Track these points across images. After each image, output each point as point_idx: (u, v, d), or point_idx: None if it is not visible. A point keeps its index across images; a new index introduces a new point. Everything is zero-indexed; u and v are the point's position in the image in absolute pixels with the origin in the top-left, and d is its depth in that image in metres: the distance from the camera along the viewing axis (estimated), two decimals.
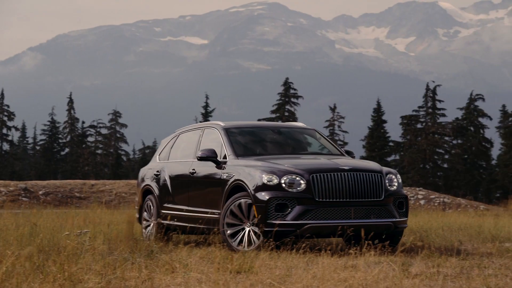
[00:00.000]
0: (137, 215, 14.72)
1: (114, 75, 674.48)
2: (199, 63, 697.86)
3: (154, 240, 13.11)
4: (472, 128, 72.60)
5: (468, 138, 72.04)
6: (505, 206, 38.85)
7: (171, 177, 13.55)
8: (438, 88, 74.49)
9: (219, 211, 11.86)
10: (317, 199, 11.20)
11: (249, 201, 11.39)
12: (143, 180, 14.55)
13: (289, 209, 11.16)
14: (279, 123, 14.78)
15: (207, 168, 12.44)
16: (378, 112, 74.68)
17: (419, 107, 73.79)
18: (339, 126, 76.90)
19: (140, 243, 11.86)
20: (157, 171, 13.99)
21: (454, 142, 73.31)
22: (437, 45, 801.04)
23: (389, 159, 73.14)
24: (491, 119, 72.77)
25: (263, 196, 11.22)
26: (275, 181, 11.26)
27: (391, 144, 73.69)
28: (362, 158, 71.90)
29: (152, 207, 13.96)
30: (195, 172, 12.76)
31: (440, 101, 74.04)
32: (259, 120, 73.85)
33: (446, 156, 73.35)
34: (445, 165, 73.21)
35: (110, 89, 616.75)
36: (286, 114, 74.26)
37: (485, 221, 19.79)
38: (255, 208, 11.25)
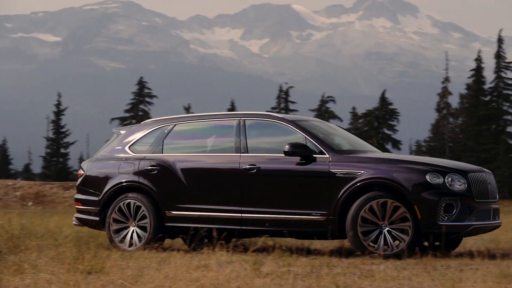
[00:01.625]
0: (91, 218, 12.41)
1: None
2: (51, 61, 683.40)
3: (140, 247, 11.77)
4: None
5: None
6: None
7: (195, 173, 11.87)
8: (291, 89, 75.77)
9: (318, 212, 11.04)
10: (476, 200, 10.91)
11: (383, 200, 10.78)
12: (110, 176, 12.36)
13: (455, 210, 10.71)
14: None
15: (289, 165, 11.29)
16: None
17: (272, 108, 74.76)
18: None
19: None
20: (153, 166, 12.05)
21: None
22: (291, 47, 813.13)
23: None
24: (341, 120, 74.48)
25: (431, 196, 10.66)
26: (440, 180, 10.74)
27: None
28: None
29: (135, 207, 12.02)
30: (256, 168, 11.42)
31: (292, 102, 75.30)
32: (112, 119, 73.03)
33: None
34: None
35: None
36: (140, 113, 73.70)
37: None
38: (417, 209, 10.63)
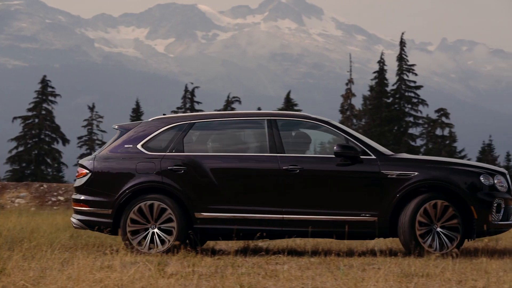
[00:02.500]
0: (101, 220, 11.54)
1: None
2: None
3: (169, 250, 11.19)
4: None
5: None
6: None
7: (229, 173, 11.48)
8: (197, 89, 75.69)
9: (369, 212, 11.10)
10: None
11: (435, 201, 11.04)
12: (126, 175, 11.58)
13: (502, 209, 11.22)
14: None
15: (335, 165, 11.27)
16: (137, 112, 74.74)
17: (178, 108, 74.57)
18: (97, 126, 76.07)
19: None
20: (178, 165, 11.48)
21: None
22: (196, 47, 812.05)
23: None
24: None
25: (486, 196, 11.11)
26: (491, 181, 11.25)
27: None
28: None
29: (159, 209, 11.41)
30: (299, 169, 11.25)
31: (198, 102, 75.21)
32: (15, 118, 71.59)
33: None
34: None
35: None
36: (43, 112, 72.50)
37: None
38: (473, 209, 10.97)
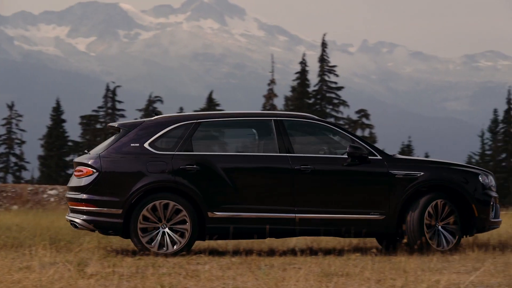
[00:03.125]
0: (111, 220, 11.30)
1: None
2: None
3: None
4: None
5: None
6: None
7: (243, 173, 11.61)
8: (118, 89, 75.07)
9: (377, 211, 11.56)
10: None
11: (439, 201, 11.66)
12: (137, 174, 11.40)
13: (495, 207, 12.09)
14: None
15: (354, 166, 11.66)
16: (57, 111, 73.70)
17: (99, 107, 73.86)
18: (16, 125, 74.81)
19: None
20: (191, 164, 11.43)
21: None
22: (118, 46, 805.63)
23: (67, 158, 72.39)
24: None
25: (485, 195, 11.91)
26: (487, 181, 12.05)
27: (70, 143, 73.03)
28: (40, 157, 70.79)
29: (174, 210, 11.32)
30: (310, 168, 11.50)
31: (119, 101, 74.62)
32: None
33: None
34: None
35: None
36: None
37: None
38: (474, 207, 11.66)
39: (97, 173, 11.42)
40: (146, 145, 11.57)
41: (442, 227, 11.70)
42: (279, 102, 75.07)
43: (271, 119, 11.89)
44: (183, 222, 11.32)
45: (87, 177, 11.47)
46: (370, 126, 71.50)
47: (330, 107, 71.41)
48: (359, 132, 71.39)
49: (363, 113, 72.61)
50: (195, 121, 11.85)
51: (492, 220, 11.96)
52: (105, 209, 11.31)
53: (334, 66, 72.46)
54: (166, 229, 11.34)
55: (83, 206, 11.46)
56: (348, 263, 9.97)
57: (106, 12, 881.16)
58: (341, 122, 70.72)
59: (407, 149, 77.13)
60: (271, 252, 11.93)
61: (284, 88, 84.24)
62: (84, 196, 11.43)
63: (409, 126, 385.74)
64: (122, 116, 73.90)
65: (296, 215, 11.47)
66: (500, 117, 73.32)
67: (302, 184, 11.52)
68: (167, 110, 76.66)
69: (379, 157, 11.77)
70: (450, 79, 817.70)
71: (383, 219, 11.57)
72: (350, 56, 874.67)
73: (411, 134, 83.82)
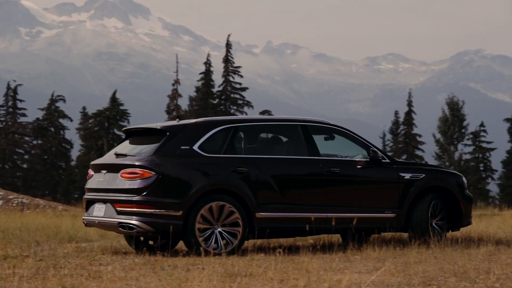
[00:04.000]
0: (171, 221, 11.26)
1: None
2: None
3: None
4: (52, 129, 72.71)
5: (49, 138, 72.07)
6: (83, 207, 39.42)
7: (285, 175, 12.07)
8: (19, 87, 73.73)
9: (390, 209, 12.66)
10: None
11: (436, 200, 13.10)
12: (194, 177, 11.52)
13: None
14: None
15: (370, 169, 12.67)
16: None
17: (0, 106, 72.45)
18: None
19: None
20: (240, 167, 11.73)
21: (35, 142, 72.96)
22: (19, 44, 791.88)
23: None
24: (71, 120, 73.50)
25: (468, 195, 13.53)
26: (465, 182, 13.63)
27: None
28: None
29: (229, 212, 11.53)
30: (339, 171, 12.39)
31: (21, 100, 73.35)
32: None
33: (26, 156, 72.80)
34: (25, 165, 72.63)
35: None
36: None
37: (63, 222, 19.94)
38: (462, 205, 13.20)
39: (156, 175, 11.36)
40: (195, 147, 11.76)
41: (435, 223, 13.03)
42: (183, 102, 75.19)
43: (298, 124, 12.60)
44: (236, 224, 11.59)
45: (144, 179, 11.37)
46: None
47: (235, 107, 71.62)
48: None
49: (267, 114, 73.10)
50: (234, 125, 12.23)
51: (470, 217, 13.57)
52: (165, 210, 11.31)
53: (238, 67, 72.71)
54: (220, 230, 11.55)
55: (141, 208, 11.35)
56: (251, 263, 10.02)
57: (7, 9, 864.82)
58: None
59: None
60: (174, 253, 11.91)
61: (188, 88, 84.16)
62: (142, 198, 11.33)
63: None
64: (24, 115, 72.69)
65: (328, 214, 12.20)
66: (401, 119, 74.78)
67: (331, 185, 12.38)
68: (70, 110, 75.89)
69: (387, 160, 12.93)
70: (352, 81, 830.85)
71: (394, 217, 12.70)
72: (254, 57, 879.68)
73: None
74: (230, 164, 11.74)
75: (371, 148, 12.76)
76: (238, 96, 71.83)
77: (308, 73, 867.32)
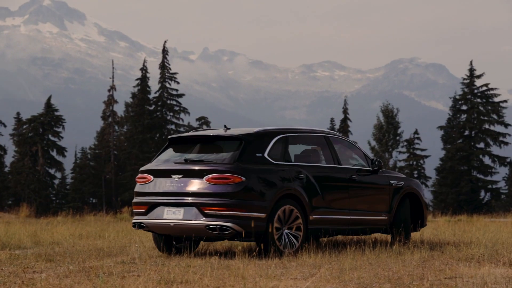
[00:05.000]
0: (258, 224, 11.95)
1: None
2: None
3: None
4: None
5: None
6: (17, 213, 38.92)
7: (325, 181, 13.31)
8: None
9: (384, 213, 14.29)
10: None
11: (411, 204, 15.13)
12: (273, 182, 12.36)
13: None
14: None
15: (371, 176, 14.28)
16: None
17: None
18: None
19: None
20: (299, 173, 12.82)
21: None
22: None
23: None
24: (5, 126, 72.51)
25: (426, 200, 15.46)
26: (423, 189, 15.60)
27: None
28: None
29: (291, 213, 12.50)
30: (356, 178, 13.86)
31: None
32: None
33: None
34: None
35: None
36: None
37: None
38: (424, 209, 15.19)
39: (245, 180, 12.06)
40: (265, 155, 12.67)
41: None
42: (119, 108, 74.51)
43: (323, 136, 13.95)
44: (298, 228, 12.59)
45: (235, 184, 12.02)
46: None
47: (171, 114, 71.39)
48: None
49: (203, 121, 73.05)
50: (285, 135, 13.22)
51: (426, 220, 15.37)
52: (253, 213, 12.03)
53: (175, 73, 72.52)
54: (287, 231, 12.47)
55: (232, 211, 11.98)
56: (187, 270, 10.00)
57: None
58: (181, 129, 70.87)
59: None
60: (110, 260, 11.81)
61: (124, 94, 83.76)
62: (233, 201, 11.98)
63: None
64: None
65: (350, 216, 13.61)
66: (337, 126, 75.37)
67: (352, 191, 13.79)
68: (4, 116, 74.91)
69: (380, 169, 14.50)
70: (289, 88, 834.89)
71: (386, 218, 14.32)
72: (191, 64, 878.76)
73: None
74: (293, 170, 12.78)
75: (373, 158, 14.38)
76: (174, 103, 71.60)
77: (244, 80, 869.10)
